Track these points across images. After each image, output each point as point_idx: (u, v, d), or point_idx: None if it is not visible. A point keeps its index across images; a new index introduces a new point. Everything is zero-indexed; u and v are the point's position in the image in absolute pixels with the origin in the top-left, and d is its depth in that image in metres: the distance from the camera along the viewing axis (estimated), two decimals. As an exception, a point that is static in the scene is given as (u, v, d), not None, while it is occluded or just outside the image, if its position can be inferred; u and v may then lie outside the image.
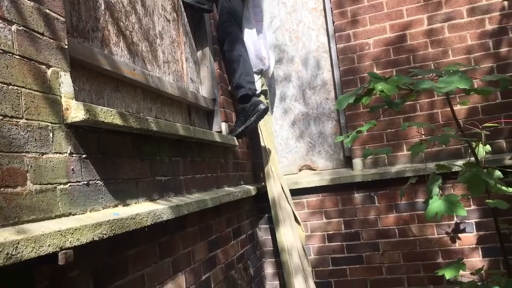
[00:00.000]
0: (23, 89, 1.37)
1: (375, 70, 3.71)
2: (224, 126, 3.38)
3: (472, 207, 3.45)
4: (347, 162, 3.93)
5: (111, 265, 1.69)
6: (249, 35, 3.63)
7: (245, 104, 3.36)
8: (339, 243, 3.75)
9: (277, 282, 3.90)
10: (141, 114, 2.35)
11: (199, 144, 2.79)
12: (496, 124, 3.12)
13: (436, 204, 2.12)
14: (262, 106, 3.31)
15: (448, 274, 2.45)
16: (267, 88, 3.90)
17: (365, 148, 3.71)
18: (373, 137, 3.72)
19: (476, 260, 3.41)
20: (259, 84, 3.71)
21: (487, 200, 2.20)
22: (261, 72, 3.77)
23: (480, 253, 3.42)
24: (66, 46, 1.61)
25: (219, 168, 3.13)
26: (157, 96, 2.57)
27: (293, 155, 4.10)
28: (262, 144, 3.77)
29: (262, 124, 3.74)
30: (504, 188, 2.14)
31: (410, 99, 2.41)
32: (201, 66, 3.36)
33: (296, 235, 3.60)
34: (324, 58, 4.06)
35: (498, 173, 2.32)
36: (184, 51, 3.07)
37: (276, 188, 3.66)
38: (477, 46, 3.53)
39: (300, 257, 3.56)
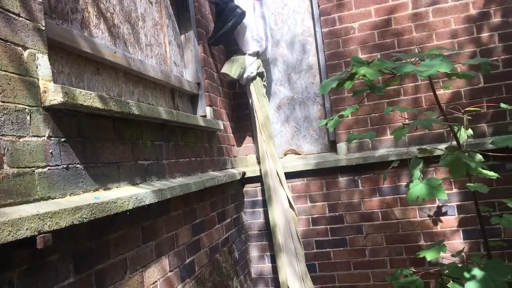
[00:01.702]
0: (-2, 71, 1.34)
1: (360, 55, 3.71)
2: (208, 110, 3.37)
3: (454, 190, 3.49)
4: (332, 146, 3.95)
5: (92, 249, 1.69)
6: (244, 11, 3.55)
7: (221, 9, 3.33)
8: (324, 226, 3.79)
9: (262, 265, 3.94)
10: (122, 97, 2.32)
11: (183, 128, 2.77)
12: (478, 109, 3.16)
13: (418, 188, 2.14)
14: (238, 11, 3.25)
15: (429, 256, 2.49)
16: (263, 70, 3.83)
17: (349, 132, 3.72)
18: (358, 121, 3.74)
19: (457, 242, 3.47)
20: (254, 66, 3.67)
21: (468, 184, 2.22)
22: (257, 54, 3.72)
23: (461, 235, 3.48)
24: (44, 28, 1.58)
25: (204, 152, 3.12)
26: (139, 79, 2.54)
27: (278, 140, 4.10)
28: (257, 126, 3.75)
29: (257, 107, 3.71)
30: (485, 171, 2.16)
31: (393, 84, 2.42)
32: (185, 50, 3.32)
33: (290, 219, 3.61)
34: (309, 42, 4.04)
35: (479, 156, 2.35)
36: (167, 34, 3.04)
37: (270, 170, 3.66)
38: (461, 31, 3.54)
39: (293, 240, 3.58)
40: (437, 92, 2.35)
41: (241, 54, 3.70)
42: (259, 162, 3.99)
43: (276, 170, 3.66)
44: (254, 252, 3.96)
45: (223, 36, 3.38)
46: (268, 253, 3.92)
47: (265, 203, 3.91)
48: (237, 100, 4.13)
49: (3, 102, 1.35)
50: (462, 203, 3.48)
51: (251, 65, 3.65)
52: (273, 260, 3.89)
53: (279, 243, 3.57)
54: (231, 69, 3.59)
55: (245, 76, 3.66)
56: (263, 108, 3.74)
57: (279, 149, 4.10)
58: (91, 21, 2.11)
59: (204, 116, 3.30)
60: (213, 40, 3.42)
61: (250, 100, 3.79)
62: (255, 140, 4.04)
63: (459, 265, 2.49)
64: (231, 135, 3.97)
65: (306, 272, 3.60)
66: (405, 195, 3.55)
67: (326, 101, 3.92)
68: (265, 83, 3.87)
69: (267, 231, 3.91)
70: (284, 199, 3.63)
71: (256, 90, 3.72)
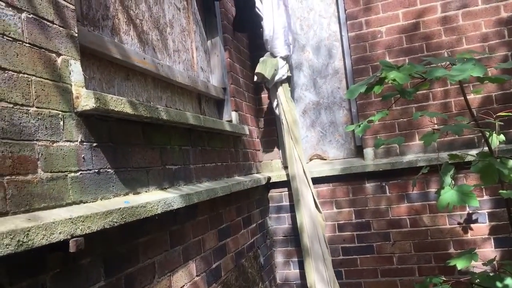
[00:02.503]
0: (33, 77, 1.37)
1: (387, 59, 3.67)
2: (234, 115, 3.38)
3: (485, 197, 3.41)
4: (358, 151, 3.91)
5: (122, 253, 1.71)
6: (279, 20, 3.58)
7: None
8: (350, 233, 3.74)
9: (288, 271, 3.91)
10: (151, 103, 2.35)
11: (209, 133, 2.78)
12: (510, 114, 3.07)
13: (449, 195, 2.09)
14: None
15: (460, 264, 2.42)
16: (291, 74, 3.83)
17: (376, 137, 3.67)
18: (385, 126, 3.69)
19: (488, 251, 3.38)
20: (284, 70, 3.67)
21: (501, 191, 2.16)
22: (287, 58, 3.72)
23: (493, 243, 3.39)
24: (76, 35, 1.61)
25: (229, 157, 3.13)
26: (167, 85, 2.57)
27: (303, 145, 4.08)
28: (284, 129, 3.70)
29: (286, 110, 3.68)
30: (517, 178, 2.10)
31: (423, 88, 2.38)
32: (211, 55, 3.35)
33: (317, 223, 3.57)
34: (335, 47, 4.02)
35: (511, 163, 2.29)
36: (195, 40, 3.06)
37: (298, 173, 3.63)
38: (492, 34, 3.46)
39: (320, 244, 3.54)
40: (467, 97, 2.30)
41: (272, 57, 3.69)
42: (285, 167, 3.98)
43: (304, 173, 3.64)
44: (279, 258, 3.94)
45: (244, 19, 3.42)
46: (294, 259, 3.90)
47: (290, 209, 3.89)
48: (263, 105, 4.13)
49: (38, 108, 1.37)
50: (494, 210, 3.39)
51: (283, 68, 3.64)
52: (299, 266, 3.86)
53: (306, 247, 3.54)
54: (265, 70, 3.55)
55: (276, 78, 3.63)
56: (292, 111, 3.71)
57: (304, 154, 4.08)
58: (121, 27, 2.14)
59: (230, 121, 3.31)
60: (234, 25, 3.46)
61: (276, 103, 3.76)
62: (281, 144, 4.03)
63: (491, 274, 2.43)
64: (257, 140, 3.97)
65: (334, 278, 3.56)
66: (434, 202, 3.49)
67: (353, 106, 3.89)
68: (290, 88, 3.86)
69: (292, 237, 3.88)
70: (311, 202, 3.60)
71: (285, 93, 3.71)
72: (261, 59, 3.64)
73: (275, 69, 3.59)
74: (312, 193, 3.62)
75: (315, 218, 3.57)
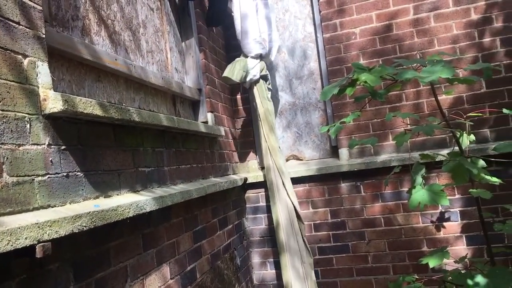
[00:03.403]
0: (-2, 80, 1.34)
1: (361, 60, 3.71)
2: (210, 117, 3.36)
3: (457, 196, 3.48)
4: (334, 152, 3.94)
5: (92, 257, 1.68)
6: (247, 13, 3.51)
7: None
8: (326, 232, 3.77)
9: (264, 271, 3.92)
10: (123, 104, 2.32)
11: (184, 135, 2.77)
12: (481, 114, 3.14)
13: (419, 194, 2.13)
14: None
15: (432, 263, 2.46)
16: (267, 73, 3.75)
17: (351, 138, 3.71)
18: (359, 127, 3.73)
19: (460, 249, 3.45)
20: (257, 68, 3.60)
21: (471, 190, 2.21)
22: (260, 57, 3.65)
23: (464, 241, 3.46)
24: (44, 36, 1.58)
25: (205, 159, 3.11)
26: (140, 86, 2.54)
27: (280, 145, 4.09)
28: (262, 134, 3.68)
29: (260, 111, 3.67)
30: (487, 177, 2.15)
31: (395, 90, 2.41)
32: (186, 56, 3.33)
33: (293, 217, 3.55)
34: (310, 48, 4.04)
35: (482, 162, 2.34)
36: (169, 41, 3.04)
37: (272, 164, 3.61)
38: (463, 36, 3.53)
39: (297, 239, 3.50)
40: (439, 98, 2.35)
41: (243, 57, 3.66)
42: (261, 168, 3.99)
43: (277, 164, 3.63)
44: (256, 259, 3.94)
45: (214, 13, 3.42)
46: (271, 259, 3.90)
47: (267, 209, 3.90)
48: (238, 106, 4.13)
49: (3, 110, 1.34)
50: (465, 209, 3.46)
51: (254, 68, 3.58)
52: (276, 267, 3.87)
53: (282, 242, 3.52)
54: (232, 73, 3.52)
55: (248, 79, 3.60)
56: (267, 111, 3.69)
57: (280, 155, 4.09)
58: (92, 28, 2.11)
59: (206, 122, 3.29)
60: (206, 20, 3.44)
61: (254, 104, 3.74)
62: (258, 146, 4.03)
63: (463, 272, 2.47)
64: (232, 141, 3.97)
65: (311, 274, 3.54)
66: (407, 201, 3.54)
67: (328, 106, 3.92)
68: (269, 86, 3.79)
69: (269, 237, 3.89)
70: (286, 196, 3.60)
71: (260, 93, 3.66)
72: (233, 61, 3.62)
73: (244, 70, 3.56)
74: (285, 185, 3.60)
75: (291, 212, 3.56)
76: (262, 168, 4.07)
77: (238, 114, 4.12)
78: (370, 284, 3.65)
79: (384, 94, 2.12)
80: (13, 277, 1.29)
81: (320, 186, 3.79)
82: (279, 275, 3.85)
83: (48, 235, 1.31)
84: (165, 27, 3.01)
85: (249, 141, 4.10)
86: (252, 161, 4.08)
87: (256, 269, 3.94)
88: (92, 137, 1.80)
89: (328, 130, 2.34)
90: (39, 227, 1.28)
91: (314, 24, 4.00)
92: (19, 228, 1.22)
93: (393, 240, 3.60)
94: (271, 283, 3.90)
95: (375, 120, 3.70)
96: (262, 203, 3.94)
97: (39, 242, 1.28)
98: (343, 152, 3.78)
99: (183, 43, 3.32)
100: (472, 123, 2.74)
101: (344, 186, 3.73)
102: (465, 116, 2.56)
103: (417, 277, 2.67)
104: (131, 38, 2.50)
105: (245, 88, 3.91)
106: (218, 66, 3.77)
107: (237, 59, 3.63)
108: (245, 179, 3.84)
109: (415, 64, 2.20)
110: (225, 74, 3.54)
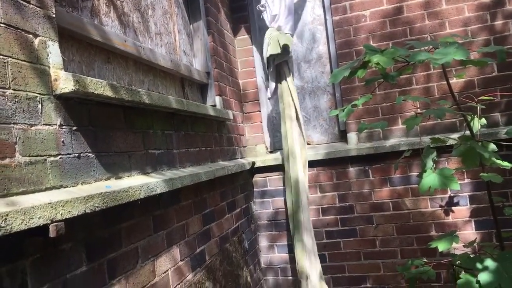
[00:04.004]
0: (10, 59, 1.33)
1: (371, 43, 3.66)
2: (218, 100, 3.35)
3: (466, 180, 3.46)
4: (342, 136, 3.92)
5: (104, 238, 1.69)
6: None
7: None
8: (334, 217, 3.77)
9: (272, 254, 3.94)
10: (133, 86, 2.31)
11: (193, 118, 2.76)
12: (492, 98, 3.11)
13: (430, 178, 2.11)
14: None
15: (441, 247, 2.46)
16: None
17: (360, 122, 3.69)
18: (368, 111, 3.70)
19: (469, 233, 3.44)
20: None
21: (482, 174, 2.19)
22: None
23: (473, 226, 3.45)
24: (54, 15, 1.56)
25: (213, 142, 3.11)
26: (149, 68, 2.53)
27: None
28: (287, 121, 3.66)
29: (293, 90, 3.66)
30: (498, 161, 2.13)
31: (406, 72, 2.38)
32: (194, 39, 3.30)
33: (302, 190, 3.58)
34: (319, 31, 4.00)
35: (492, 146, 2.32)
36: (177, 23, 3.01)
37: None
38: (474, 18, 3.48)
39: (303, 212, 3.54)
40: (450, 81, 2.32)
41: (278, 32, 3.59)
42: (270, 152, 4.00)
43: (294, 133, 3.62)
44: (263, 242, 3.96)
45: None
46: (278, 243, 3.92)
47: (274, 193, 3.90)
48: (247, 90, 4.10)
49: (15, 90, 1.34)
50: (475, 193, 3.44)
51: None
52: (283, 250, 3.89)
53: (300, 221, 3.54)
54: (277, 47, 3.46)
55: (290, 54, 3.61)
56: (294, 91, 3.69)
57: (288, 139, 4.08)
58: (101, 9, 2.09)
59: (214, 106, 3.28)
60: None
61: (275, 85, 3.73)
62: (270, 129, 4.03)
63: (471, 256, 2.47)
64: (241, 125, 3.96)
65: (314, 247, 3.57)
66: (416, 186, 3.53)
67: (337, 90, 3.89)
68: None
69: (277, 221, 3.90)
70: (299, 168, 3.60)
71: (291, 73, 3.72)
72: (271, 36, 3.52)
73: (288, 43, 3.49)
74: (296, 156, 3.60)
75: (303, 182, 3.58)
76: (270, 152, 4.07)
77: (246, 98, 4.10)
78: (377, 268, 3.66)
79: (396, 76, 2.09)
80: (26, 257, 1.30)
81: (328, 170, 3.78)
82: (286, 258, 3.87)
83: (61, 215, 1.32)
84: (173, 9, 2.99)
85: (257, 125, 4.08)
86: (260, 145, 4.07)
87: (264, 252, 3.96)
88: (103, 118, 1.80)
89: (338, 114, 2.32)
90: (52, 206, 1.29)
91: (323, 7, 3.95)
92: (33, 207, 1.22)
93: (401, 225, 3.60)
94: (279, 266, 3.92)
95: (384, 104, 3.67)
96: (270, 187, 3.94)
97: (52, 221, 1.28)
98: (352, 136, 3.76)
99: (191, 25, 3.29)
100: (483, 107, 2.71)
101: (352, 170, 3.72)
102: (476, 100, 2.53)
103: (426, 260, 2.67)
104: (140, 20, 2.48)
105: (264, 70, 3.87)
106: (226, 49, 3.75)
107: (273, 34, 3.54)
108: (253, 163, 3.84)
109: (427, 46, 2.17)
110: (272, 52, 3.47)
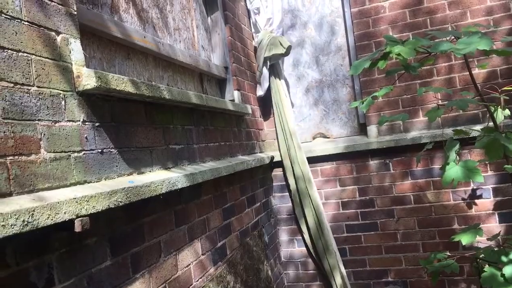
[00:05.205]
0: (33, 56, 1.35)
1: (391, 34, 3.61)
2: (236, 95, 3.35)
3: (489, 172, 3.40)
4: (362, 129, 3.89)
5: (128, 233, 1.71)
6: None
7: None
8: (354, 210, 3.75)
9: (292, 249, 3.94)
10: (153, 82, 2.32)
11: (212, 113, 2.76)
12: (516, 88, 3.04)
13: (453, 170, 2.08)
14: None
15: (465, 240, 2.43)
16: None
17: (380, 114, 3.65)
18: (389, 103, 3.66)
19: (493, 226, 3.38)
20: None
21: (506, 166, 2.15)
22: None
23: (497, 218, 3.39)
24: (75, 12, 1.58)
25: (232, 137, 3.11)
26: (168, 64, 2.54)
27: (306, 123, 4.06)
28: (278, 120, 3.82)
29: (278, 100, 3.77)
30: (523, 153, 2.09)
31: (428, 63, 2.35)
32: (212, 34, 3.30)
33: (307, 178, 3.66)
34: (338, 23, 3.96)
35: (517, 137, 2.27)
36: (195, 18, 3.02)
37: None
38: (497, 7, 3.40)
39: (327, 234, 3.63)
40: (472, 72, 2.27)
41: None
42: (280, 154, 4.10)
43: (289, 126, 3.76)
44: (283, 236, 3.96)
45: None
46: (298, 237, 3.91)
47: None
48: (265, 84, 4.09)
49: (39, 87, 1.36)
50: (498, 185, 3.38)
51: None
52: (303, 244, 3.88)
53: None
54: (279, 48, 3.65)
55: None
56: (283, 101, 3.84)
57: (307, 132, 4.06)
58: (120, 5, 2.10)
59: (233, 100, 3.28)
60: None
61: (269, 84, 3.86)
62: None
63: (496, 249, 2.43)
64: (259, 119, 3.95)
65: (328, 247, 3.61)
66: (438, 178, 3.48)
67: (356, 83, 3.85)
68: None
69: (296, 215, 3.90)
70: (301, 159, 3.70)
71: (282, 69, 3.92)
72: (272, 37, 3.70)
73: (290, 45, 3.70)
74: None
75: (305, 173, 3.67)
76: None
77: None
78: (399, 262, 3.63)
79: (418, 67, 2.06)
80: (53, 251, 1.32)
81: (348, 164, 3.76)
82: (306, 252, 3.86)
83: (86, 210, 1.33)
84: (191, 4, 2.99)
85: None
86: (279, 139, 4.06)
87: (284, 246, 3.96)
88: (125, 114, 1.81)
89: (358, 106, 2.30)
90: (77, 202, 1.31)
91: (342, -1, 3.91)
92: (58, 202, 1.24)
93: (423, 218, 3.56)
94: (299, 260, 3.91)
95: (405, 96, 3.62)
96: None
97: (77, 216, 1.30)
98: (372, 129, 3.72)
99: (209, 20, 3.29)
100: (507, 97, 2.65)
101: (372, 163, 3.69)
102: (499, 90, 2.48)
103: (449, 254, 2.63)
104: (159, 16, 2.49)
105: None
106: (243, 44, 3.74)
107: (271, 35, 3.74)
108: (272, 157, 3.83)
109: (449, 36, 2.13)
110: (276, 52, 3.63)
